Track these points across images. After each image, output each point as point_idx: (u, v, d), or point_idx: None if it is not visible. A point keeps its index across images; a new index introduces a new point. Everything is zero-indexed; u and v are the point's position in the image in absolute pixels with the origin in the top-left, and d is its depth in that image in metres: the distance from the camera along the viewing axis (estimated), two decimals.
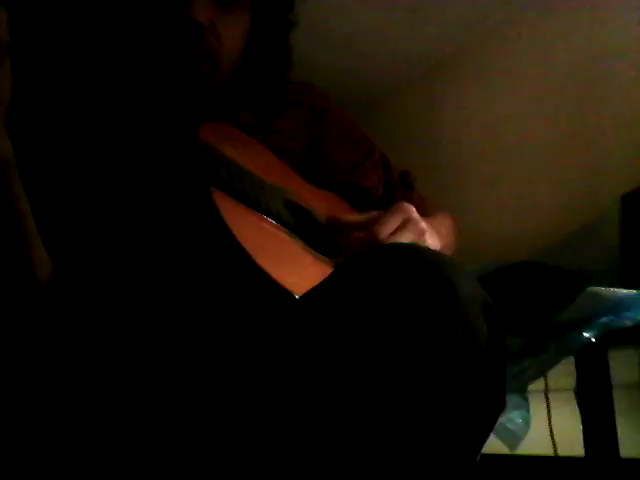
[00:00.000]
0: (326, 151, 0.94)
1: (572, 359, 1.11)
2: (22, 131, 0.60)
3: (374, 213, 0.78)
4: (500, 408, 0.56)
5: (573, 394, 1.14)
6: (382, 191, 0.98)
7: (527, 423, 1.15)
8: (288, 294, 0.63)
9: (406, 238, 0.74)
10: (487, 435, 0.56)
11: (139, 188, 0.70)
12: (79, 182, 0.70)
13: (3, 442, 0.59)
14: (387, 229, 0.74)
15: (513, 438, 1.15)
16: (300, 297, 0.61)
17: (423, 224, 0.77)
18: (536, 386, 1.33)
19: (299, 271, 0.71)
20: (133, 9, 0.76)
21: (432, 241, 0.78)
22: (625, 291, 1.04)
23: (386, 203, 0.93)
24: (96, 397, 0.61)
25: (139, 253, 0.68)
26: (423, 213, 0.80)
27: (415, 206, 0.79)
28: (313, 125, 0.94)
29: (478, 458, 0.56)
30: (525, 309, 1.11)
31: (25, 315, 0.63)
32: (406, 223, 0.76)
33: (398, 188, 1.00)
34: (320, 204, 0.86)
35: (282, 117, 0.89)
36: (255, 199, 0.72)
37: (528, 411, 1.16)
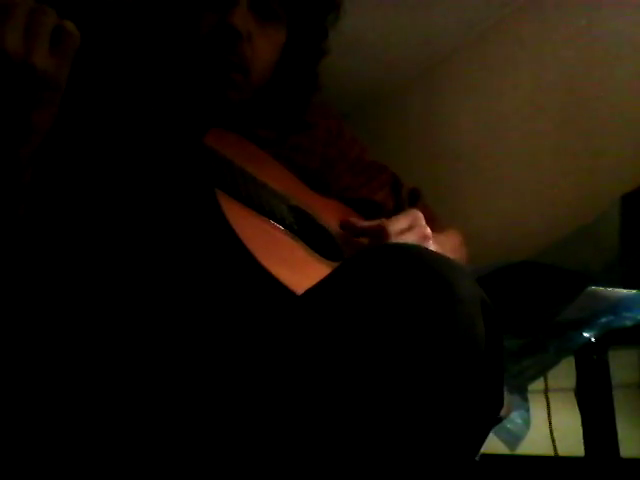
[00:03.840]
0: (338, 172, 0.96)
1: (572, 359, 1.11)
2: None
3: (384, 219, 0.81)
4: (498, 408, 0.56)
5: (573, 394, 1.14)
6: (393, 205, 1.00)
7: (527, 423, 1.15)
8: (290, 293, 0.63)
9: (410, 239, 0.79)
10: (485, 435, 0.56)
11: (143, 188, 0.70)
12: (84, 182, 0.70)
13: (2, 442, 0.59)
14: (394, 228, 0.79)
15: (513, 438, 1.15)
16: (301, 295, 0.62)
17: (429, 230, 0.81)
18: (536, 386, 1.33)
19: (301, 272, 0.71)
20: (175, 10, 0.77)
21: (435, 249, 0.81)
22: (625, 291, 1.04)
23: None
24: (96, 396, 0.61)
25: (143, 252, 0.68)
26: (433, 228, 0.84)
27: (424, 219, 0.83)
28: (330, 145, 0.95)
29: (478, 458, 0.56)
30: (525, 309, 1.11)
31: (25, 312, 0.63)
32: (412, 227, 0.80)
33: (407, 204, 1.02)
34: (327, 211, 0.87)
35: (298, 133, 0.90)
36: (259, 202, 0.73)
37: (528, 411, 1.16)
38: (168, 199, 0.70)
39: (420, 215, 0.82)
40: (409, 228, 0.80)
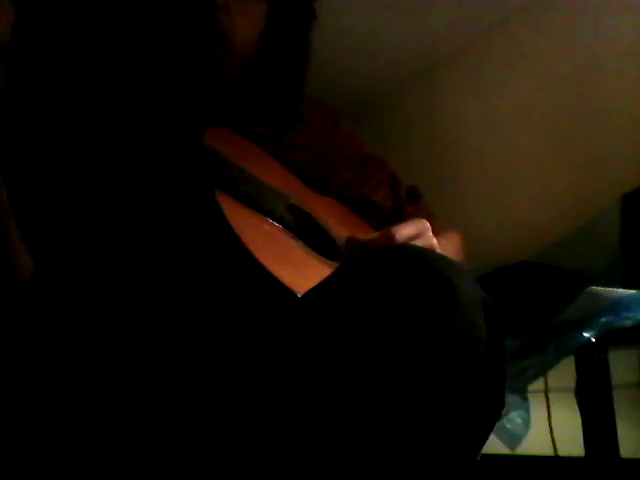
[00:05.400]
0: (336, 168, 0.95)
1: (572, 359, 1.11)
2: (14, 127, 0.60)
3: (391, 227, 0.79)
4: (499, 409, 0.56)
5: (573, 394, 1.14)
6: (391, 204, 0.99)
7: (527, 423, 1.15)
8: (290, 292, 0.63)
9: None
10: (487, 436, 0.56)
11: (142, 187, 0.70)
12: (80, 181, 0.70)
13: (2, 442, 0.59)
14: (400, 236, 0.76)
15: (513, 438, 1.15)
16: (303, 295, 0.62)
17: (435, 241, 0.80)
18: (536, 386, 1.33)
19: (301, 271, 0.71)
20: None
21: None
22: (625, 291, 1.04)
23: (395, 218, 0.95)
24: (94, 397, 0.61)
25: (141, 252, 0.68)
26: (432, 228, 0.82)
27: None
28: (327, 141, 0.95)
29: (478, 458, 0.56)
30: (525, 309, 1.10)
31: (10, 315, 0.63)
32: (420, 236, 0.78)
33: (405, 204, 1.01)
34: (325, 210, 0.86)
35: (294, 130, 0.90)
36: (258, 201, 0.73)
37: (528, 411, 1.16)
38: (167, 198, 0.70)
39: (428, 225, 0.80)
40: (416, 237, 0.78)
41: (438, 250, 0.80)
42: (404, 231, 0.77)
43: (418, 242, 0.78)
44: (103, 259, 0.68)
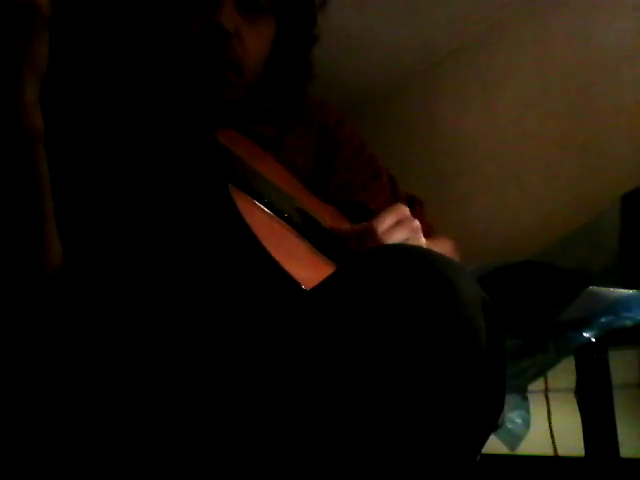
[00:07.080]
0: (335, 169, 0.95)
1: (572, 359, 1.11)
2: (49, 108, 0.59)
3: (368, 223, 0.79)
4: (499, 409, 0.56)
5: (573, 394, 1.14)
6: None
7: (527, 423, 1.15)
8: (299, 287, 0.63)
9: (400, 235, 0.77)
10: (486, 436, 0.56)
11: (158, 181, 0.71)
12: (99, 173, 0.70)
13: (3, 441, 0.59)
14: (382, 227, 0.76)
15: (513, 438, 1.15)
16: (305, 294, 0.62)
17: (417, 223, 0.79)
18: (536, 386, 1.33)
19: (309, 268, 0.72)
20: (161, 13, 0.78)
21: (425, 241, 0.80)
22: (625, 291, 1.04)
23: None
24: (102, 393, 0.61)
25: (156, 247, 0.69)
26: (428, 237, 0.82)
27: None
28: (324, 143, 0.95)
29: (478, 458, 0.56)
30: (525, 309, 1.10)
31: (29, 306, 0.63)
32: (400, 222, 0.78)
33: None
34: (326, 217, 0.86)
35: (294, 133, 0.90)
36: (269, 200, 0.73)
37: (528, 411, 1.16)
38: (183, 194, 0.71)
39: (405, 208, 0.80)
40: (397, 223, 0.77)
41: (421, 232, 0.79)
42: (383, 222, 0.77)
43: (401, 228, 0.77)
44: (115, 253, 0.68)
